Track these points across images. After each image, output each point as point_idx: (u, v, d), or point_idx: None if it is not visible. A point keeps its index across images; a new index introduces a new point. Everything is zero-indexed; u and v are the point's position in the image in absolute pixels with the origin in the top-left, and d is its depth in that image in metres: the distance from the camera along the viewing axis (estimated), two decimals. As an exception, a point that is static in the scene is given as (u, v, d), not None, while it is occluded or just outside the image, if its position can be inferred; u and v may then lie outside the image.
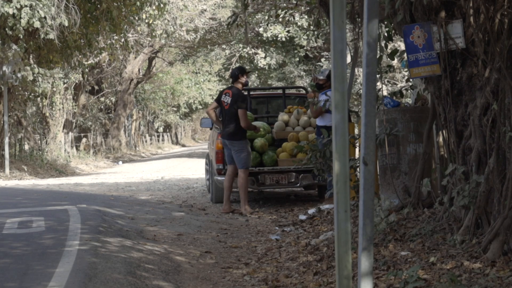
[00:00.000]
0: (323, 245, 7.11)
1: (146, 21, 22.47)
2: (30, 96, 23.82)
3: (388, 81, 22.30)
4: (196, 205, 11.70)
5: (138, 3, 20.37)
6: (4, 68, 19.64)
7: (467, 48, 6.24)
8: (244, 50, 28.69)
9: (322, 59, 26.05)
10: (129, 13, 20.70)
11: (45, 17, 17.68)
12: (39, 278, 5.61)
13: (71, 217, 8.92)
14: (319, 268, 6.09)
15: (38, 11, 17.53)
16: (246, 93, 13.37)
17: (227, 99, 10.70)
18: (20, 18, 17.46)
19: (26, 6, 17.45)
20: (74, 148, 31.20)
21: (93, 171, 25.88)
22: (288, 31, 26.17)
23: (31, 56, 20.63)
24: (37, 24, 17.59)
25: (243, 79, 10.74)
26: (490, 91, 5.94)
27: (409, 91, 9.26)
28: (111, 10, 19.37)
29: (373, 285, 3.89)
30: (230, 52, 30.88)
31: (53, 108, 27.99)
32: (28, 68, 19.55)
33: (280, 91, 13.36)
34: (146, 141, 51.37)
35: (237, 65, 29.92)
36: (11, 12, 17.36)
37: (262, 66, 28.33)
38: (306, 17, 19.06)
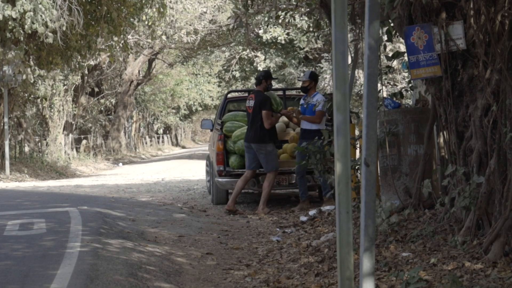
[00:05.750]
0: (324, 246, 7.12)
1: (146, 22, 22.47)
2: (30, 98, 23.80)
3: (388, 82, 22.31)
4: (197, 206, 11.70)
5: (138, 5, 20.37)
6: (5, 68, 19.64)
7: (468, 49, 6.25)
8: (244, 52, 28.69)
9: (322, 60, 26.04)
10: (129, 15, 20.69)
11: (47, 20, 17.68)
12: (40, 280, 5.61)
13: (72, 219, 8.91)
14: (320, 269, 6.10)
15: (41, 15, 17.52)
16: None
17: (251, 103, 10.85)
18: (24, 23, 17.44)
19: (29, 11, 17.44)
20: (74, 150, 31.19)
21: (93, 173, 25.87)
22: (288, 33, 26.16)
23: (31, 58, 20.62)
24: (41, 30, 17.59)
25: (265, 83, 10.87)
26: (490, 92, 5.95)
27: (409, 92, 9.26)
28: (111, 12, 19.37)
29: (375, 286, 3.89)
30: (229, 54, 30.88)
31: (53, 110, 27.99)
32: (28, 70, 19.54)
33: (280, 93, 13.35)
34: (146, 143, 51.37)
35: (237, 67, 29.98)
36: (14, 16, 17.36)
37: (262, 69, 28.32)
38: (306, 18, 19.03)
